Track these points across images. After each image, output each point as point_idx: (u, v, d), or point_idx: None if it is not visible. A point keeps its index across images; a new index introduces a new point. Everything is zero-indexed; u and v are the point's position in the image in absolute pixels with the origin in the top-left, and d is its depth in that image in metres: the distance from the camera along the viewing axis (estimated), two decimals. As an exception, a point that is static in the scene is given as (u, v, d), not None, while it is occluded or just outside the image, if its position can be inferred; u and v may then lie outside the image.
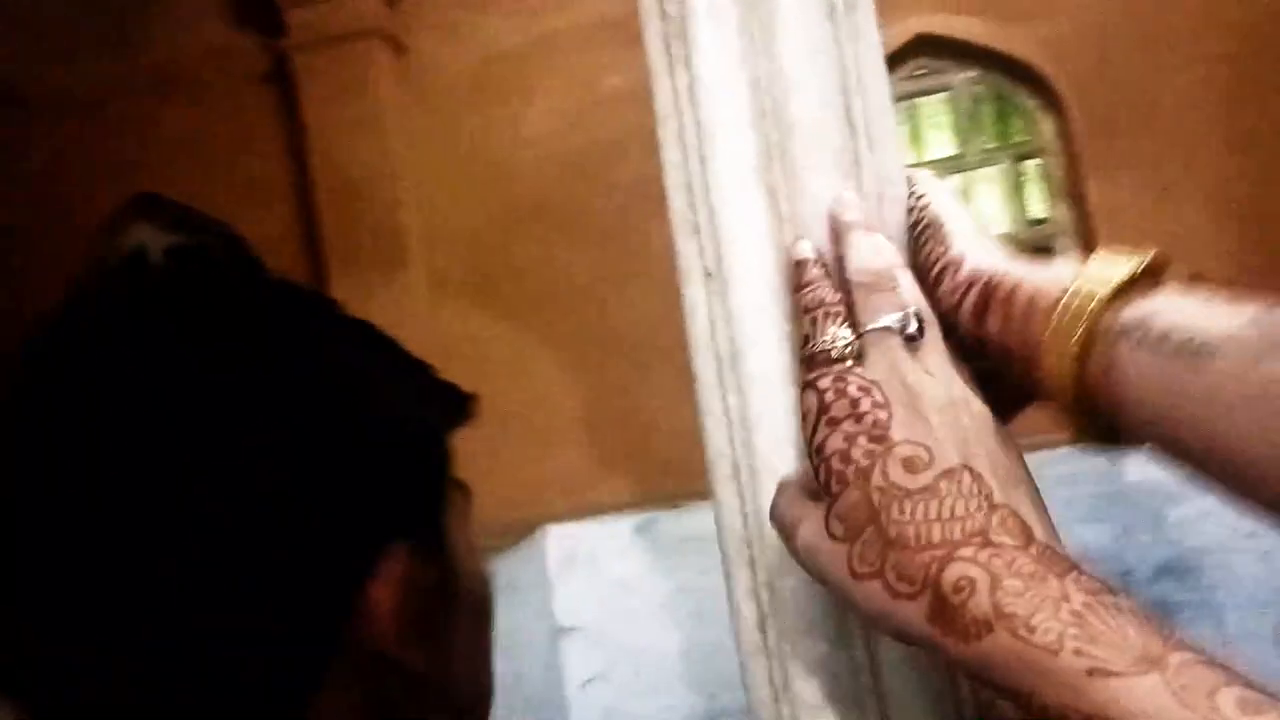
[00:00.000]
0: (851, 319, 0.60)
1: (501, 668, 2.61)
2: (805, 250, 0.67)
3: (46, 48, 3.85)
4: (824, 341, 0.60)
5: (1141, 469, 3.25)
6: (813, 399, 0.58)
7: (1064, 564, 0.48)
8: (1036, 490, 0.56)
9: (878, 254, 0.63)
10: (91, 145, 3.82)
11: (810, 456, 0.58)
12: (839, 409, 0.56)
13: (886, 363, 0.57)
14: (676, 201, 0.75)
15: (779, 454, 0.71)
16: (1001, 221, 3.74)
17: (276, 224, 3.76)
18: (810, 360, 0.60)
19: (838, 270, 0.65)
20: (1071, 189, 3.59)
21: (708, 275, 0.73)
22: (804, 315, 0.63)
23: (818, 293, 0.63)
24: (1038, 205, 3.70)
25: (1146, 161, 3.44)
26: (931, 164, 3.73)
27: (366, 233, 3.53)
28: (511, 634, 2.98)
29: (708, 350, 0.74)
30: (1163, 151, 3.44)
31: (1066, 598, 0.45)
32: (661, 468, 3.51)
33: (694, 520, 3.32)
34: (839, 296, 0.62)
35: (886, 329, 0.58)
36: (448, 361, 3.02)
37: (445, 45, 3.75)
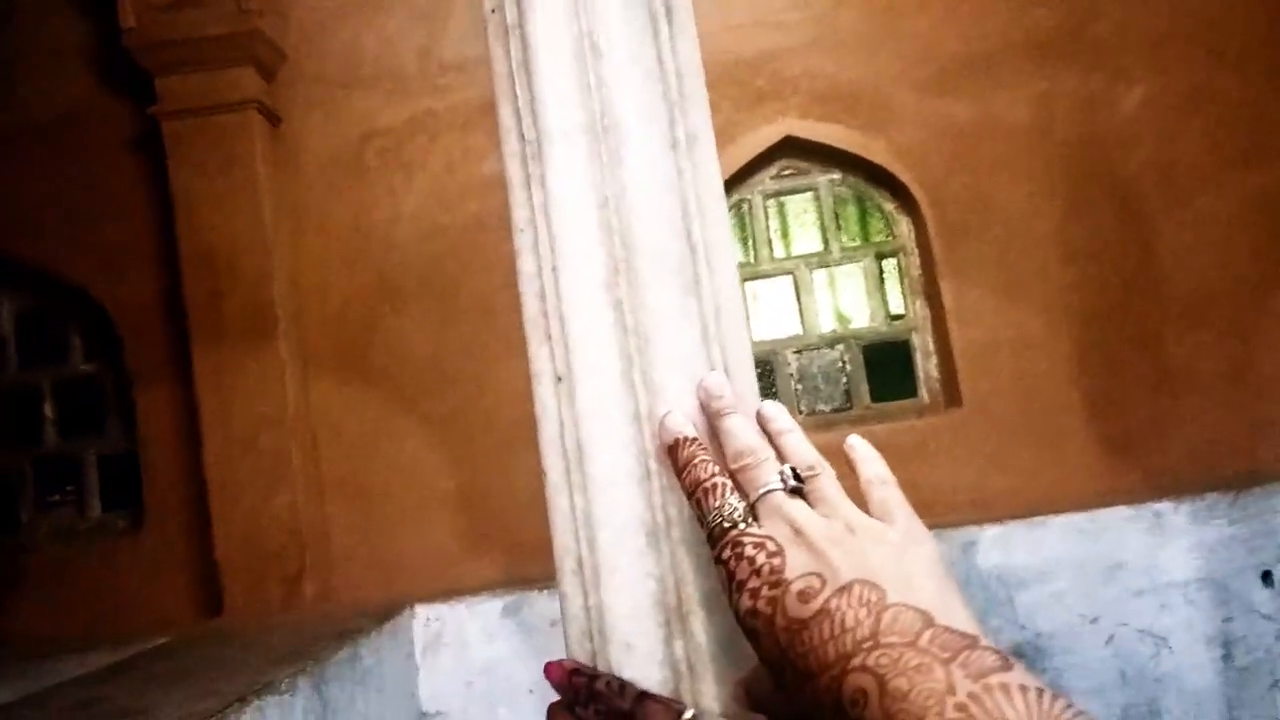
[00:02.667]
0: (739, 491, 0.63)
1: (357, 759, 2.49)
2: (676, 427, 0.69)
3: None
4: (715, 516, 0.62)
5: (993, 555, 3.40)
6: (722, 571, 0.60)
7: (956, 646, 0.48)
8: (949, 578, 0.57)
9: (746, 433, 0.66)
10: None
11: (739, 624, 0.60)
12: (741, 571, 0.59)
13: (776, 516, 0.60)
14: (530, 309, 0.80)
15: (621, 550, 0.75)
16: (862, 315, 3.91)
17: (140, 292, 3.66)
18: (710, 537, 0.63)
19: (714, 441, 0.68)
20: (927, 287, 3.79)
21: (558, 380, 0.77)
22: (690, 498, 0.66)
23: (696, 473, 0.65)
24: (896, 301, 3.89)
25: (994, 265, 3.67)
26: (798, 258, 3.89)
27: (234, 305, 3.46)
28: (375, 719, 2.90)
29: (556, 450, 0.79)
30: (1008, 257, 3.68)
31: (952, 689, 0.46)
32: (531, 548, 3.49)
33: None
34: (717, 469, 0.65)
35: (770, 491, 0.62)
36: (314, 438, 2.96)
37: (322, 120, 3.74)
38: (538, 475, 3.03)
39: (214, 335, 3.44)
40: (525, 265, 0.80)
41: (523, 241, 0.80)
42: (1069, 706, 0.44)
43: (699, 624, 0.73)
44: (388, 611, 3.27)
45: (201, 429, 3.41)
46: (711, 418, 0.69)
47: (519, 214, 0.80)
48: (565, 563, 0.79)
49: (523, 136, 0.78)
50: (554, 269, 0.77)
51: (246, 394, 3.42)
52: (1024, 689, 0.45)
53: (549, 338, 0.78)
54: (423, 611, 3.39)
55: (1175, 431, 3.60)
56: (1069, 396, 3.62)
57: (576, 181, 0.76)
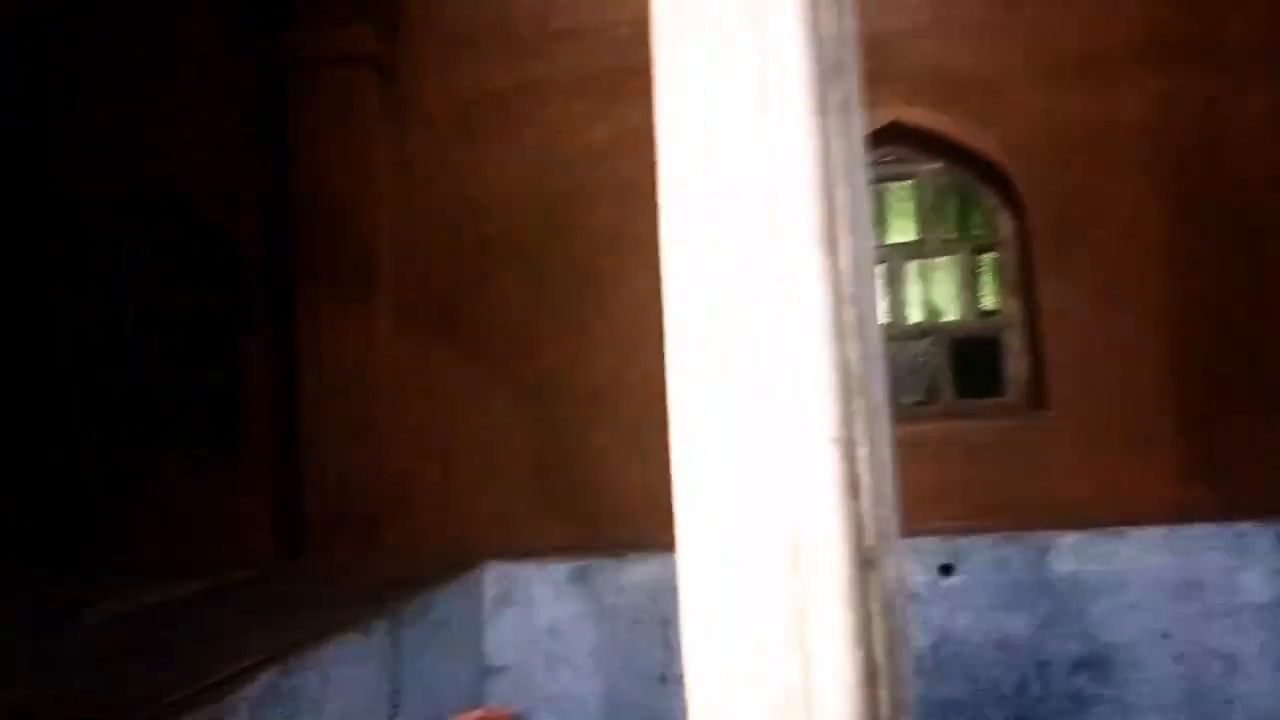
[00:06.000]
0: None
1: (426, 703, 2.59)
2: None
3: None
4: None
5: (1067, 562, 3.36)
6: None
7: None
8: None
9: None
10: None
11: None
12: None
13: None
14: (672, 259, 0.82)
15: (743, 502, 0.78)
16: (953, 310, 3.87)
17: (253, 237, 3.78)
18: None
19: None
20: (1024, 285, 3.74)
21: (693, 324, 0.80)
22: None
23: None
24: (990, 297, 3.84)
25: (1096, 268, 3.59)
26: (892, 247, 3.86)
27: (338, 256, 3.56)
28: (440, 669, 2.98)
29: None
30: (1112, 260, 3.60)
31: None
32: (603, 518, 3.54)
33: (631, 572, 3.35)
34: None
35: None
36: (404, 391, 3.03)
37: (435, 80, 3.81)
38: (615, 447, 3.06)
39: (317, 283, 3.54)
40: (671, 210, 0.82)
41: (669, 192, 0.82)
42: None
43: (812, 569, 0.75)
44: (460, 566, 3.34)
45: (298, 374, 3.52)
46: None
47: (666, 165, 0.82)
48: (683, 507, 0.81)
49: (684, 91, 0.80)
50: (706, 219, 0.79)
51: (343, 343, 3.51)
52: None
53: (687, 294, 0.80)
54: (494, 569, 3.46)
55: (1268, 452, 3.50)
56: (1161, 408, 3.54)
57: (730, 138, 0.79)
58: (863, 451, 0.79)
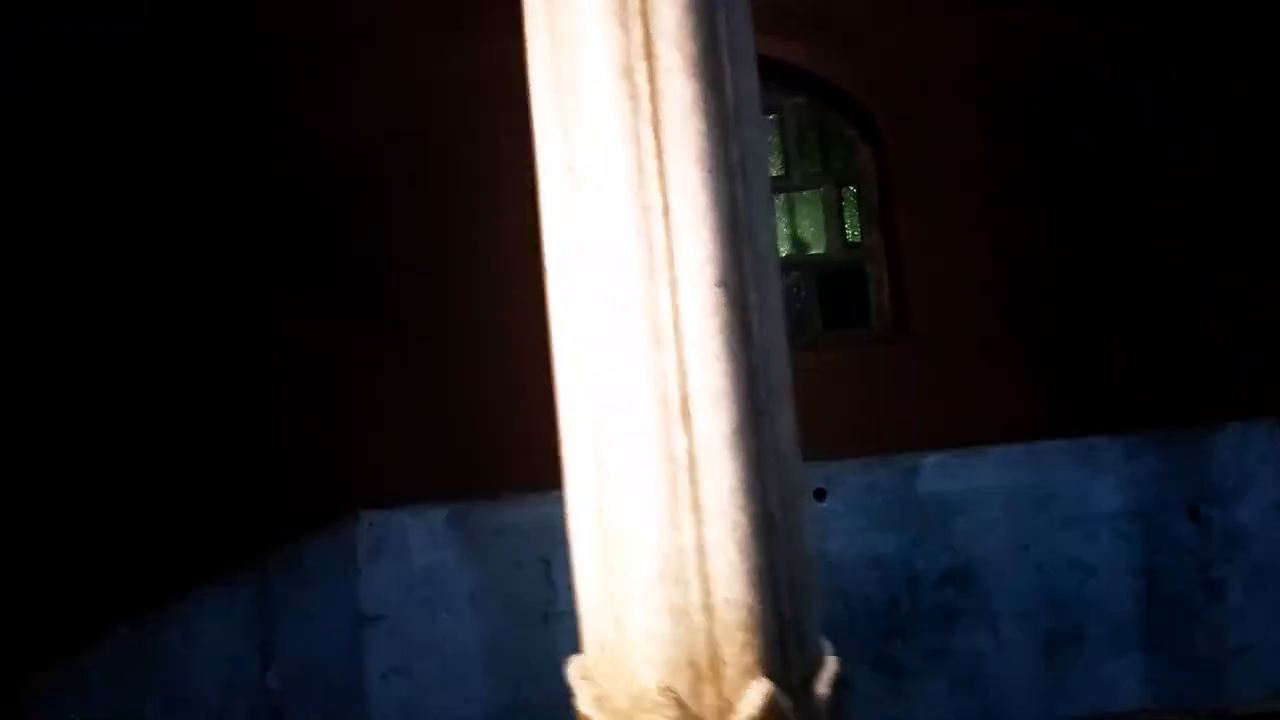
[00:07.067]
0: None
1: (302, 655, 2.51)
2: None
3: None
4: None
5: (932, 482, 3.48)
6: None
7: None
8: None
9: None
10: None
11: None
12: None
13: None
14: (540, 91, 0.77)
15: (624, 345, 0.74)
16: (819, 243, 3.92)
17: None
18: None
19: None
20: (884, 217, 3.81)
21: (568, 170, 0.75)
22: None
23: None
24: (854, 229, 3.90)
25: (952, 199, 3.68)
26: (758, 180, 3.88)
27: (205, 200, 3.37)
28: (314, 621, 2.90)
29: (559, 242, 0.76)
30: (964, 192, 3.69)
31: None
32: (479, 460, 3.48)
33: (509, 513, 3.31)
34: None
35: None
36: (274, 343, 2.86)
37: (287, 21, 3.61)
38: (487, 387, 2.98)
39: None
40: (537, 48, 0.76)
41: (535, 24, 0.76)
42: None
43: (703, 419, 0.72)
44: (332, 515, 3.25)
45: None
46: None
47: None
48: (565, 356, 0.77)
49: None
50: (571, 50, 0.74)
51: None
52: None
53: (560, 124, 0.75)
54: (367, 516, 3.38)
55: (1116, 369, 3.68)
56: (1015, 332, 3.67)
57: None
58: (753, 299, 0.75)
